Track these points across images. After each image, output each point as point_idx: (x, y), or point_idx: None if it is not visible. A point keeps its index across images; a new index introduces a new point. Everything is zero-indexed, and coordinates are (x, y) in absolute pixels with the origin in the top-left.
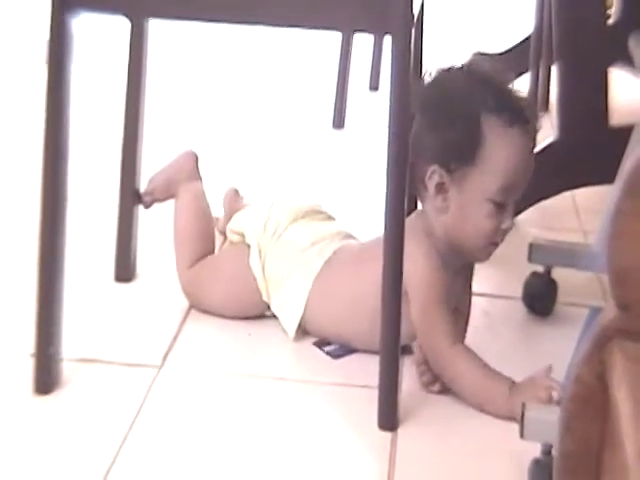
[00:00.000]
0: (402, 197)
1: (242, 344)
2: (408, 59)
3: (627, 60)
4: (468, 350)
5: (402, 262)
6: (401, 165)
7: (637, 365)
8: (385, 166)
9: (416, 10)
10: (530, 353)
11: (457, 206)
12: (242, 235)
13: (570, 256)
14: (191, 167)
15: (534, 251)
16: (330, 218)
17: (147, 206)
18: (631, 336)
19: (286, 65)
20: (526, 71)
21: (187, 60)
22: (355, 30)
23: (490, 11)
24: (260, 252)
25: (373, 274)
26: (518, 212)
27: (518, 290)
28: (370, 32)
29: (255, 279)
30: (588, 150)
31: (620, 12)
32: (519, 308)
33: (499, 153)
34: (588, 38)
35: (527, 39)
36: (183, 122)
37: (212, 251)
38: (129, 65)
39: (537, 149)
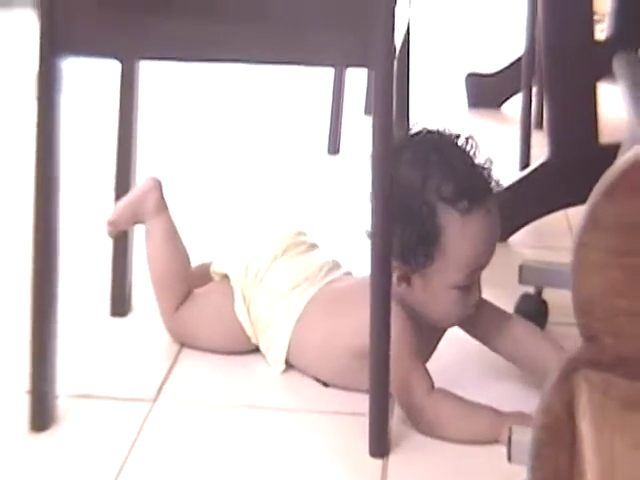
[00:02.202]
0: (388, 239)
1: (235, 376)
2: (390, 93)
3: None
4: (446, 393)
5: (390, 293)
6: (386, 202)
7: (600, 395)
8: (370, 205)
9: (400, 41)
10: (523, 373)
11: (422, 293)
12: (226, 277)
13: (560, 277)
14: (157, 196)
15: (524, 273)
16: (313, 247)
17: (112, 236)
18: (596, 366)
19: (281, 91)
20: (519, 91)
21: (182, 90)
22: (336, 65)
23: (482, 32)
24: (244, 298)
25: (349, 316)
26: (510, 233)
27: (509, 311)
28: (351, 66)
29: (242, 324)
30: (579, 169)
31: (612, 28)
32: None
33: (459, 245)
34: (575, 56)
35: (520, 59)
36: (178, 152)
37: (193, 286)
38: (120, 104)
39: (529, 169)
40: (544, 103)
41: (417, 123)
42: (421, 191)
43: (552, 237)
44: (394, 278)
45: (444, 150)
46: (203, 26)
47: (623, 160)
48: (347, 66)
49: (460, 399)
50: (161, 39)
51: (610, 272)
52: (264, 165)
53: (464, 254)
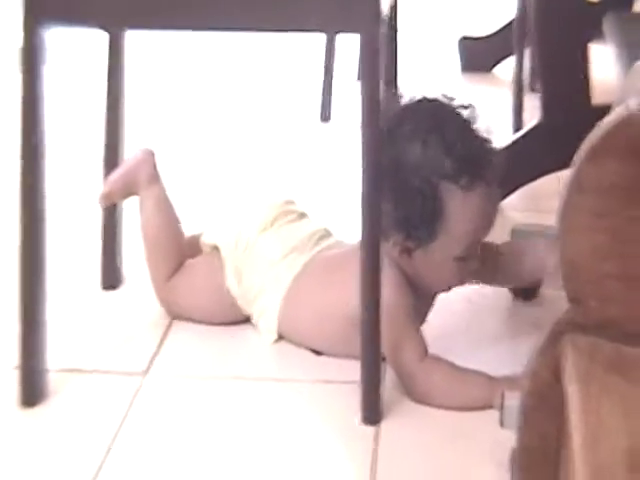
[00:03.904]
0: (377, 205)
1: (226, 347)
2: (378, 57)
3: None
4: (439, 360)
5: (379, 260)
6: (375, 167)
7: (586, 359)
8: (360, 170)
9: (388, 5)
10: (515, 340)
11: (422, 263)
12: (216, 248)
13: (552, 239)
14: (150, 168)
15: (516, 236)
16: (302, 216)
17: (104, 208)
18: (583, 329)
19: (272, 58)
20: (512, 54)
21: (171, 59)
22: (321, 31)
23: None
24: (235, 269)
25: (340, 284)
26: (503, 197)
27: None
28: (337, 32)
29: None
30: (572, 131)
31: None
32: (504, 294)
33: (461, 220)
34: (566, 17)
35: (512, 22)
36: (170, 120)
37: (185, 256)
38: (109, 75)
39: (521, 132)
40: (537, 64)
41: (408, 89)
42: (422, 167)
43: (544, 200)
44: (395, 251)
45: (444, 122)
46: None
47: (605, 123)
48: (332, 31)
49: (452, 365)
50: (147, 7)
51: (595, 235)
52: (256, 133)
53: (466, 228)
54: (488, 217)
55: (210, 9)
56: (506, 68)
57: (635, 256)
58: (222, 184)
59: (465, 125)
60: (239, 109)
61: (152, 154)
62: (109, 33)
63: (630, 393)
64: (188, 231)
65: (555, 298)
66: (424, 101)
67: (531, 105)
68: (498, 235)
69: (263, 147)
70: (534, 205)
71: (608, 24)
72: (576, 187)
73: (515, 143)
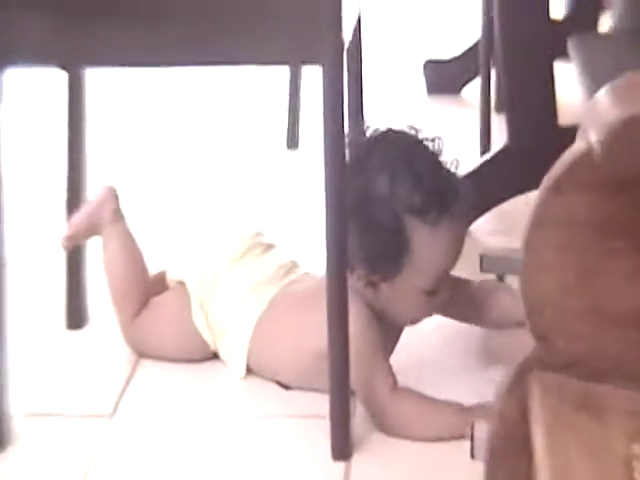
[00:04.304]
0: (343, 240)
1: (194, 385)
2: (341, 90)
3: None
4: (409, 391)
5: (346, 294)
6: (339, 202)
7: (554, 398)
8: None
9: (350, 35)
10: (487, 368)
11: (388, 297)
12: (182, 284)
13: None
14: (112, 206)
15: (485, 261)
16: (269, 248)
17: (68, 250)
18: (550, 367)
19: (238, 85)
20: (478, 75)
21: (133, 89)
22: (284, 64)
23: (437, 18)
24: (202, 304)
25: (309, 319)
26: (472, 220)
27: None
28: (298, 64)
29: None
30: (539, 152)
31: (569, 6)
32: None
33: (428, 255)
34: (531, 36)
35: (477, 43)
36: (131, 156)
37: (151, 293)
38: (69, 114)
39: (488, 155)
40: (502, 86)
41: (376, 121)
42: (389, 202)
43: (513, 221)
44: (360, 284)
45: (411, 155)
46: (146, 31)
47: (567, 157)
48: (294, 64)
49: (423, 396)
50: (105, 46)
51: (561, 272)
52: (221, 162)
53: (432, 263)
54: (455, 250)
55: (171, 45)
56: (474, 90)
57: (602, 291)
58: (188, 217)
59: (432, 158)
60: (204, 138)
61: (114, 192)
62: (68, 72)
63: (598, 433)
64: (154, 268)
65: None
66: (390, 133)
67: (499, 126)
68: (467, 260)
69: (230, 176)
70: (503, 227)
71: (573, 45)
72: (539, 222)
73: (483, 166)
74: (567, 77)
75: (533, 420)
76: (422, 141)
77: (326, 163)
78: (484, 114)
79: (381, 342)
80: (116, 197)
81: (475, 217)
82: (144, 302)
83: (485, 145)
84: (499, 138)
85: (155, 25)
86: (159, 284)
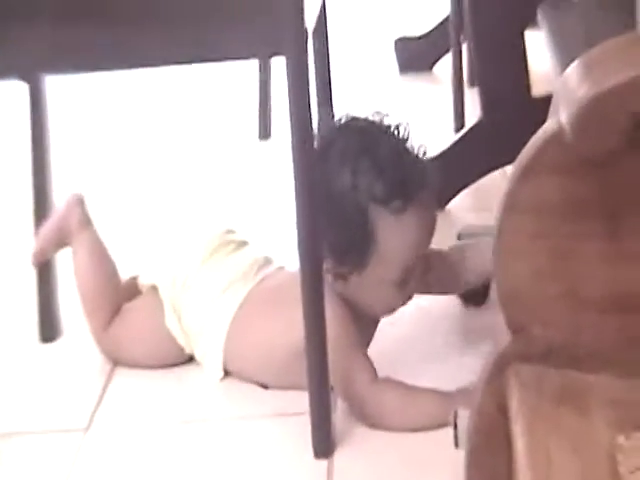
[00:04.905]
0: (314, 231)
1: (172, 391)
2: (306, 80)
3: None
4: (389, 381)
5: (321, 288)
6: (310, 196)
7: (533, 392)
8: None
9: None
10: (469, 349)
11: (359, 288)
12: (154, 288)
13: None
14: (80, 213)
15: (463, 239)
16: (242, 245)
17: (38, 265)
18: (528, 359)
19: (206, 77)
20: (449, 50)
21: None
22: (248, 58)
23: None
24: (174, 308)
25: (284, 315)
26: (448, 199)
27: None
28: (263, 58)
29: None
30: (514, 126)
31: None
32: (453, 302)
33: (394, 245)
34: (500, 6)
35: (447, 18)
36: (98, 158)
37: (123, 300)
38: (32, 125)
39: (462, 132)
40: (474, 61)
41: (346, 108)
42: (352, 192)
43: (490, 198)
44: (329, 276)
45: (374, 144)
46: (113, 33)
47: (536, 139)
48: (258, 58)
49: (404, 385)
50: (62, 51)
51: (534, 257)
52: (192, 156)
53: (399, 253)
54: (423, 238)
55: (130, 47)
56: (446, 66)
57: (579, 275)
58: (161, 216)
59: (397, 146)
60: (172, 133)
61: (81, 198)
62: (28, 82)
63: (580, 425)
64: (126, 273)
65: None
66: (354, 121)
67: (472, 101)
68: (445, 239)
69: (201, 171)
70: (480, 204)
71: (543, 15)
72: (510, 208)
73: (457, 143)
74: (538, 46)
75: (512, 418)
76: (387, 128)
77: (294, 155)
78: (457, 89)
79: (357, 334)
80: (82, 204)
81: (452, 195)
82: (116, 309)
83: (459, 120)
84: (472, 113)
85: (122, 27)
86: (131, 289)
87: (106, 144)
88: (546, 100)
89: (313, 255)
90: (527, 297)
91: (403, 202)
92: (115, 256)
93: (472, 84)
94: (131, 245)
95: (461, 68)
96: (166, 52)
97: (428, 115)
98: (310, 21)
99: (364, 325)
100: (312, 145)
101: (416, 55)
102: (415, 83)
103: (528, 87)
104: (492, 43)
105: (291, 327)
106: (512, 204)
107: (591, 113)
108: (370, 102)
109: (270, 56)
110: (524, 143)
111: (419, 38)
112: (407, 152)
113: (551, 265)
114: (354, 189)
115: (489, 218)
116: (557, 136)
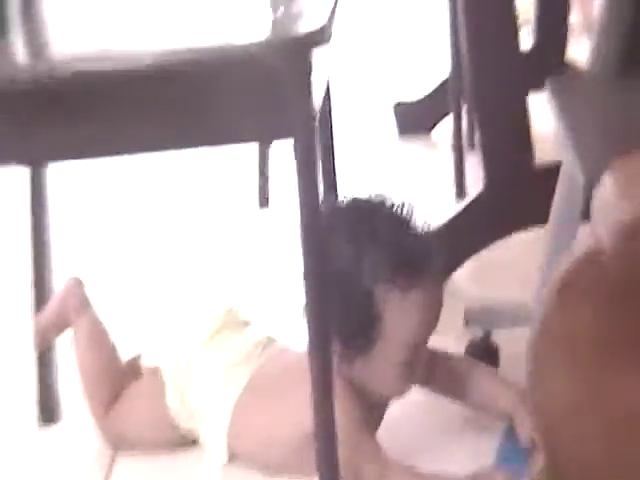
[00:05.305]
0: (324, 315)
1: (175, 477)
2: (314, 162)
3: None
4: (400, 468)
5: (330, 372)
6: (319, 279)
7: None
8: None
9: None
10: (479, 432)
11: (365, 370)
12: (157, 370)
13: (508, 316)
14: (79, 295)
15: (469, 316)
16: (244, 325)
17: (41, 349)
18: None
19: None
20: (448, 113)
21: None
22: (255, 141)
23: (405, 59)
24: (177, 390)
25: (291, 400)
26: (452, 270)
27: None
28: (271, 140)
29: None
30: (517, 197)
31: (537, 35)
32: None
33: (400, 325)
34: (501, 71)
35: (446, 81)
36: (97, 238)
37: (124, 382)
38: (32, 210)
39: (466, 202)
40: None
41: (349, 185)
42: (356, 274)
43: (495, 269)
44: (335, 359)
45: (376, 224)
46: (119, 122)
47: (570, 259)
48: (265, 141)
49: (413, 473)
50: (66, 139)
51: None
52: (191, 228)
53: (405, 333)
54: (430, 316)
55: (140, 131)
56: (445, 129)
57: (618, 413)
58: (161, 293)
59: (400, 226)
60: (171, 206)
61: (80, 282)
62: (30, 169)
63: None
64: (127, 354)
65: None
66: (355, 203)
67: (472, 163)
68: (451, 313)
69: (201, 242)
70: (485, 275)
71: (551, 89)
72: (546, 336)
73: (461, 214)
74: (539, 109)
75: None
76: (390, 208)
77: (303, 239)
78: (457, 153)
79: (364, 420)
80: (82, 286)
81: (456, 266)
82: (117, 392)
83: (459, 184)
84: (473, 176)
85: (127, 117)
86: (133, 370)
87: (104, 221)
88: (549, 171)
89: (322, 338)
90: (565, 432)
91: (407, 281)
92: (116, 337)
93: (472, 147)
94: (132, 325)
95: (460, 131)
96: (177, 136)
97: (428, 179)
98: (318, 104)
99: (372, 408)
100: (320, 228)
101: (415, 118)
102: (414, 146)
103: (531, 156)
104: (495, 109)
105: (299, 412)
106: (545, 329)
107: (634, 234)
108: (370, 167)
109: (278, 139)
110: (527, 214)
111: (418, 102)
112: (411, 231)
113: (588, 399)
114: (358, 270)
115: (492, 290)
116: (595, 256)
